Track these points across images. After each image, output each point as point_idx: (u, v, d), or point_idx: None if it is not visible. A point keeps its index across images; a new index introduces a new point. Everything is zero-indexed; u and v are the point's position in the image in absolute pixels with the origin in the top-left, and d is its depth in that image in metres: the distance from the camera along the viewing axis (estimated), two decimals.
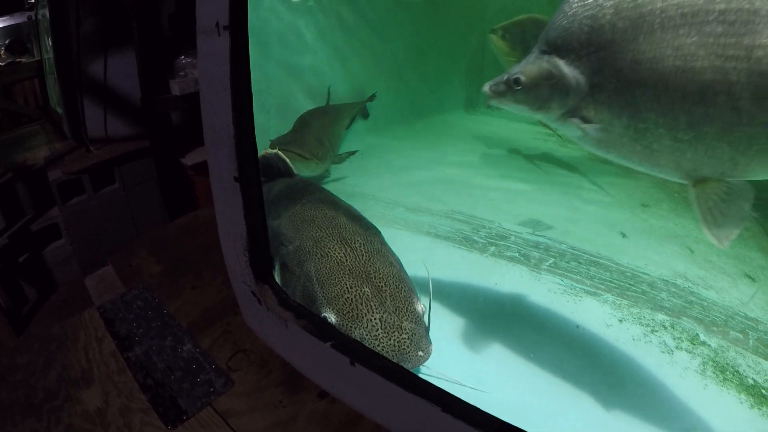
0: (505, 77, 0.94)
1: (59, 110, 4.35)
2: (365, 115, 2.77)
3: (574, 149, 3.36)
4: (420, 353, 1.01)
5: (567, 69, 0.87)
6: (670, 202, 2.79)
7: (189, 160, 3.10)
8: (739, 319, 1.78)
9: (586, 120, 0.88)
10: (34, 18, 5.34)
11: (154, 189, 3.28)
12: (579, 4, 0.85)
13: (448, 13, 3.36)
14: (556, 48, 0.89)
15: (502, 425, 0.72)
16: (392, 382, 0.79)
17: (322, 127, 2.16)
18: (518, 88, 0.92)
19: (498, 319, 1.37)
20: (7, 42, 5.43)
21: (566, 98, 0.89)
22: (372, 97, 2.75)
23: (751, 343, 1.64)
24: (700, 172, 0.84)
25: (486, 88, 0.97)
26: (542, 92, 0.91)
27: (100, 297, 1.85)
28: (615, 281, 1.73)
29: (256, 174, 0.90)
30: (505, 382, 1.14)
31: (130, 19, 3.23)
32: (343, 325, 1.01)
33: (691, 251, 2.24)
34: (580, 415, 1.14)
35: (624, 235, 2.13)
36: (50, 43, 4.01)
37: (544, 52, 0.91)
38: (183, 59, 3.14)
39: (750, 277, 2.11)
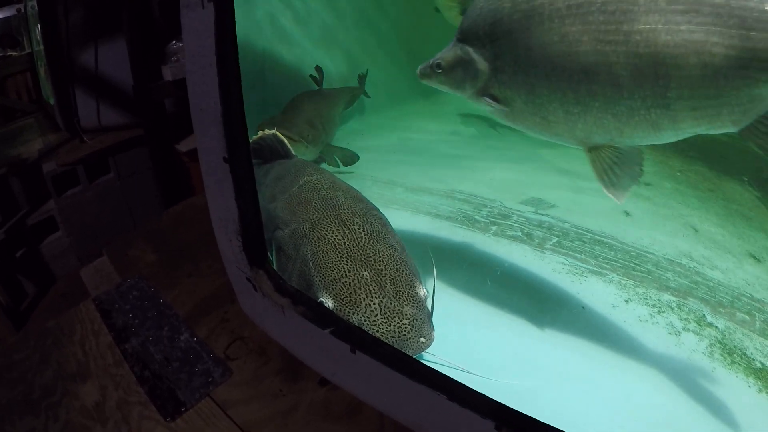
0: (431, 62, 1.14)
1: (52, 102, 4.25)
2: (366, 95, 2.69)
3: None
4: (422, 339, 0.96)
5: (475, 55, 1.05)
6: (672, 181, 2.73)
7: (184, 146, 3.03)
8: (746, 300, 1.73)
9: (493, 98, 1.05)
10: (23, 10, 5.20)
11: (150, 177, 3.21)
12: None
13: None
14: (467, 37, 1.07)
15: (512, 414, 0.68)
16: (395, 370, 0.75)
17: (314, 110, 2.08)
18: (439, 71, 1.12)
19: (503, 301, 1.32)
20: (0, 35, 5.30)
21: (476, 80, 1.06)
22: (364, 77, 2.66)
23: (757, 325, 1.59)
24: (592, 140, 0.99)
25: (417, 70, 1.17)
26: (457, 75, 1.10)
27: (96, 288, 1.81)
28: (620, 260, 1.68)
29: (246, 154, 0.84)
30: (512, 368, 1.10)
31: (119, 6, 3.13)
32: (340, 311, 0.96)
33: (696, 230, 2.19)
34: (590, 400, 1.10)
35: (628, 214, 2.08)
36: (39, 33, 3.89)
37: (459, 41, 1.10)
38: (174, 44, 3.04)
39: (755, 257, 2.06)
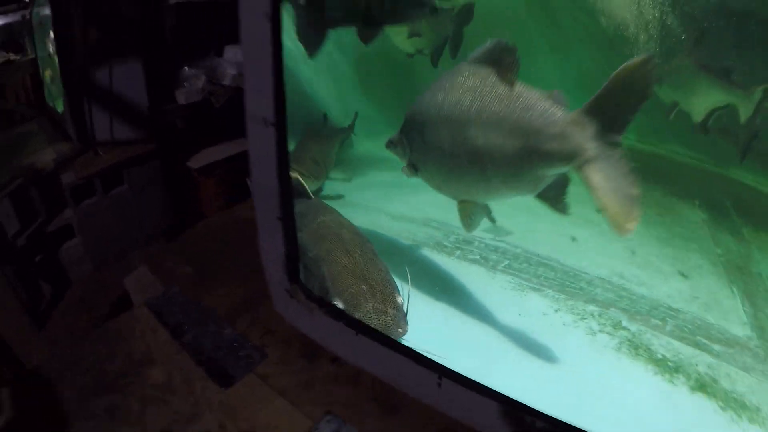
0: (389, 139, 2.05)
1: (59, 109, 4.85)
2: (352, 130, 3.38)
3: None
4: (399, 330, 1.61)
5: (404, 140, 1.93)
6: None
7: (194, 163, 3.63)
8: (663, 309, 2.41)
9: (414, 167, 1.97)
10: (28, 17, 5.74)
11: (161, 190, 3.80)
12: (413, 105, 1.87)
13: None
14: (403, 127, 1.96)
15: (449, 371, 1.32)
16: (383, 346, 1.38)
17: (318, 151, 2.74)
18: (391, 146, 2.02)
19: (460, 308, 1.98)
20: (2, 41, 5.81)
21: (405, 155, 1.95)
22: (354, 119, 3.35)
23: (668, 329, 2.27)
24: (465, 198, 1.87)
25: (385, 143, 2.08)
26: (398, 150, 1.98)
27: (139, 295, 2.41)
28: (558, 279, 2.35)
29: (291, 212, 1.47)
30: (461, 352, 1.74)
31: (133, 30, 3.72)
32: (348, 310, 1.61)
33: (633, 253, 2.87)
34: (514, 376, 1.75)
35: (574, 239, 2.76)
36: (52, 47, 4.49)
37: (401, 131, 1.97)
38: (186, 70, 3.65)
39: (683, 274, 2.75)
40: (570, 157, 1.44)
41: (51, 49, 5.06)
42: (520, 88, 1.55)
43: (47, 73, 5.53)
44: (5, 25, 5.97)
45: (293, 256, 1.53)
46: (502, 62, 1.56)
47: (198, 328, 2.00)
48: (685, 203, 3.70)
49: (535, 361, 1.84)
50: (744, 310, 2.44)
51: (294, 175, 2.12)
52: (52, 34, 4.43)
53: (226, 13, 3.79)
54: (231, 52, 3.64)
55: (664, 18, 4.03)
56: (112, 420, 1.72)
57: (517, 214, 2.92)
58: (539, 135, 1.48)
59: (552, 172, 1.59)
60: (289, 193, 1.44)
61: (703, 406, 1.81)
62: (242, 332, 1.94)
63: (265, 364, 1.79)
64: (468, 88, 1.63)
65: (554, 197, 1.75)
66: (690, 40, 3.72)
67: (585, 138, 1.42)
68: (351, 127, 3.30)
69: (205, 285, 2.25)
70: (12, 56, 6.03)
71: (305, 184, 2.09)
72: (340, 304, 1.62)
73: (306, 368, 1.76)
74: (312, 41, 2.34)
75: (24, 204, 3.82)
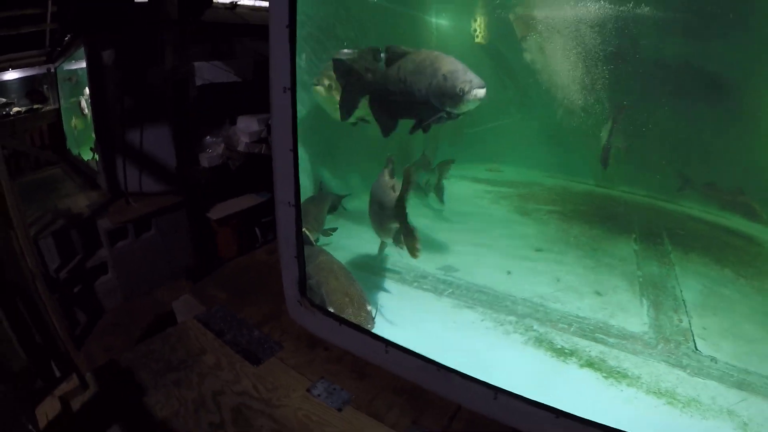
0: None
1: (84, 158, 6.36)
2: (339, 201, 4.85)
3: (501, 207, 5.48)
4: (369, 325, 2.97)
5: None
6: (561, 246, 4.82)
7: (213, 214, 5.06)
8: (571, 318, 3.70)
9: None
10: (53, 70, 7.37)
11: (184, 236, 5.21)
12: None
13: None
14: None
15: (391, 342, 2.68)
16: (363, 334, 2.75)
17: (317, 211, 4.19)
18: None
19: (412, 320, 3.35)
20: (27, 91, 7.41)
21: None
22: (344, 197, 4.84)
23: (572, 329, 3.54)
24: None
25: None
26: None
27: (185, 314, 3.76)
28: (489, 301, 3.72)
29: (302, 254, 2.88)
30: (409, 343, 3.08)
31: (164, 101, 5.23)
32: (336, 313, 2.97)
33: (558, 280, 4.23)
34: (442, 355, 3.07)
35: (509, 273, 4.14)
36: (84, 103, 6.01)
37: None
38: (209, 139, 5.14)
39: (598, 293, 4.06)
40: None
41: (83, 104, 6.64)
42: None
43: (73, 124, 7.08)
44: (31, 77, 7.60)
45: (303, 279, 2.93)
46: None
47: (235, 331, 3.35)
48: (622, 237, 5.10)
49: (460, 350, 3.18)
50: (648, 315, 3.70)
51: (303, 230, 3.55)
52: (87, 92, 5.95)
53: (239, 90, 5.35)
54: (243, 123, 5.11)
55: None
56: (179, 388, 3.03)
57: (465, 253, 4.35)
58: None
59: None
60: (301, 243, 2.84)
61: (587, 376, 3.05)
62: (266, 333, 3.29)
63: (282, 352, 3.13)
64: None
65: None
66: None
67: None
68: (341, 197, 4.79)
69: (237, 305, 3.62)
70: (36, 106, 7.63)
71: (310, 236, 3.52)
72: (332, 310, 2.99)
73: (308, 353, 3.10)
74: (347, 109, 3.68)
75: (64, 243, 5.22)
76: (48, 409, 2.94)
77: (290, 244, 2.83)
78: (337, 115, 3.75)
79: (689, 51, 5.87)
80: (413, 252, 3.28)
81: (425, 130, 3.36)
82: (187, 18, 4.99)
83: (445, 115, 3.19)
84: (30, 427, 2.84)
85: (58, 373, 3.36)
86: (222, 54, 5.43)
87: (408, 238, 3.30)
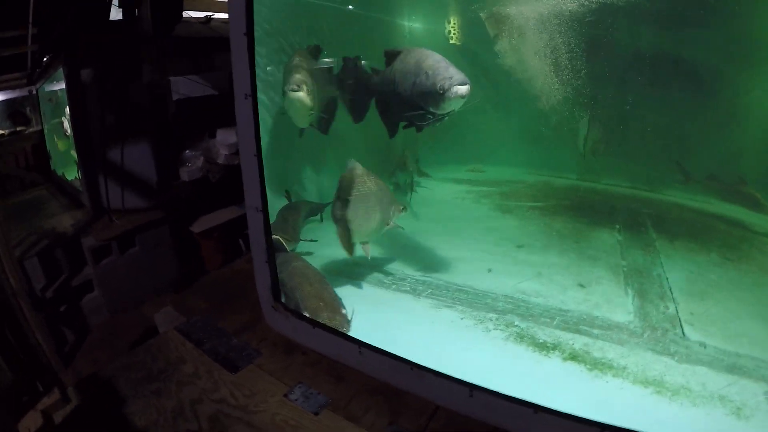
0: None
1: (69, 178, 6.36)
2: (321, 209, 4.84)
3: (482, 205, 5.49)
4: (344, 329, 2.97)
5: None
6: (544, 240, 4.80)
7: (196, 227, 5.06)
8: (554, 311, 3.64)
9: None
10: (34, 92, 7.40)
11: (168, 250, 5.21)
12: None
13: None
14: None
15: (364, 343, 2.67)
16: (336, 336, 2.74)
17: (293, 219, 4.19)
18: None
19: (390, 319, 3.34)
20: (9, 113, 7.44)
21: None
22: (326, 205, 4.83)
23: (555, 323, 3.47)
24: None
25: None
26: None
27: (166, 325, 3.76)
28: (468, 299, 3.70)
29: (274, 259, 2.88)
30: (385, 344, 3.06)
31: (143, 117, 5.24)
32: (312, 317, 2.97)
33: (540, 274, 4.19)
34: (427, 357, 3.04)
35: (490, 271, 4.13)
36: (66, 124, 6.00)
37: None
38: (188, 152, 5.16)
39: (582, 285, 4.01)
40: None
41: (66, 125, 6.65)
42: None
43: (57, 145, 7.10)
44: (13, 99, 7.63)
45: (276, 284, 2.93)
46: None
47: (214, 340, 3.35)
48: (605, 229, 5.09)
49: (438, 349, 3.17)
50: (633, 304, 3.63)
51: (276, 236, 3.55)
52: (67, 112, 5.96)
53: (217, 103, 5.38)
54: (221, 135, 5.13)
55: None
56: (158, 397, 3.03)
57: (446, 253, 4.34)
58: None
59: None
60: (271, 247, 2.85)
61: (570, 369, 2.97)
62: (245, 341, 3.29)
63: (260, 359, 3.12)
64: None
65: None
66: None
67: None
68: (323, 205, 4.78)
69: (217, 315, 3.62)
70: (19, 128, 7.66)
71: (284, 243, 3.52)
72: (306, 314, 2.99)
73: (286, 359, 3.10)
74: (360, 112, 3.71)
75: (50, 262, 5.22)
76: (30, 424, 2.95)
77: (261, 249, 2.84)
78: (305, 121, 3.70)
79: (665, 40, 5.91)
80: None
81: (418, 130, 3.23)
82: (162, 34, 5.02)
83: (430, 117, 3.01)
84: None
85: (41, 388, 3.37)
86: (199, 68, 5.46)
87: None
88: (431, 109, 2.96)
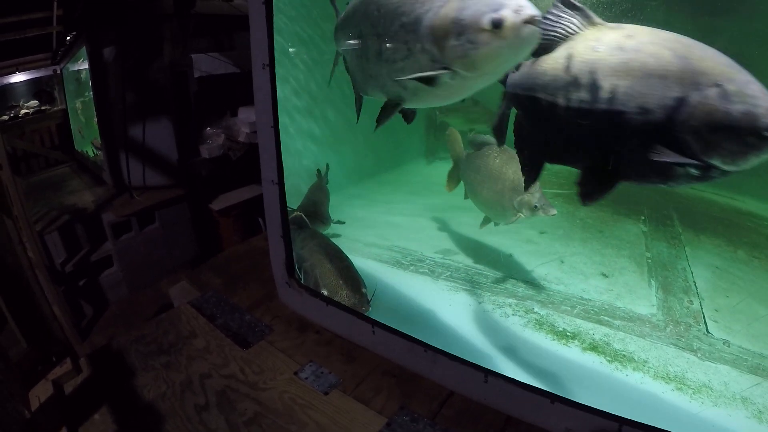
0: None
1: (91, 156, 6.34)
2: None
3: None
4: (363, 308, 2.84)
5: None
6: (566, 228, 4.61)
7: (215, 205, 4.99)
8: (575, 300, 3.50)
9: None
10: (59, 71, 7.41)
11: (187, 227, 5.16)
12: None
13: None
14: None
15: (377, 322, 2.54)
16: (349, 314, 2.62)
17: (322, 199, 4.07)
18: None
19: (407, 301, 3.20)
20: (35, 92, 7.48)
21: None
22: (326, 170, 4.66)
23: (575, 312, 3.34)
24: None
25: None
26: None
27: (180, 300, 3.69)
28: (488, 284, 3.55)
29: (288, 234, 2.76)
30: (402, 325, 2.94)
31: (164, 95, 5.18)
32: (329, 295, 2.85)
33: (562, 262, 4.03)
34: (442, 340, 2.92)
35: (511, 255, 3.96)
36: (79, 104, 5.99)
37: None
38: (209, 130, 5.08)
39: (604, 274, 3.85)
40: None
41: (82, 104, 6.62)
42: None
43: (80, 123, 7.11)
44: (38, 78, 7.67)
45: (290, 259, 2.81)
46: None
47: (227, 315, 3.26)
48: (630, 219, 4.87)
49: (457, 329, 3.03)
50: (656, 297, 3.47)
51: (298, 213, 3.45)
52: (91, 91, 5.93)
53: (239, 81, 5.28)
54: (243, 113, 5.04)
55: None
56: (168, 370, 2.95)
57: (466, 237, 4.18)
58: None
59: None
60: (286, 222, 2.73)
61: (590, 359, 2.85)
62: (258, 317, 3.19)
63: (272, 335, 3.02)
64: None
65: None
66: None
67: None
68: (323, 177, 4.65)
69: (231, 290, 3.53)
70: (43, 106, 7.69)
71: (306, 219, 3.43)
72: (325, 292, 2.88)
73: (299, 336, 2.99)
74: None
75: (70, 237, 5.22)
76: (40, 393, 2.90)
77: (276, 223, 2.72)
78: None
79: (697, 28, 5.57)
80: None
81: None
82: (184, 11, 4.93)
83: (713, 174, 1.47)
84: (23, 410, 2.81)
85: (55, 359, 3.33)
86: (221, 46, 5.37)
87: None
88: (719, 163, 1.45)
